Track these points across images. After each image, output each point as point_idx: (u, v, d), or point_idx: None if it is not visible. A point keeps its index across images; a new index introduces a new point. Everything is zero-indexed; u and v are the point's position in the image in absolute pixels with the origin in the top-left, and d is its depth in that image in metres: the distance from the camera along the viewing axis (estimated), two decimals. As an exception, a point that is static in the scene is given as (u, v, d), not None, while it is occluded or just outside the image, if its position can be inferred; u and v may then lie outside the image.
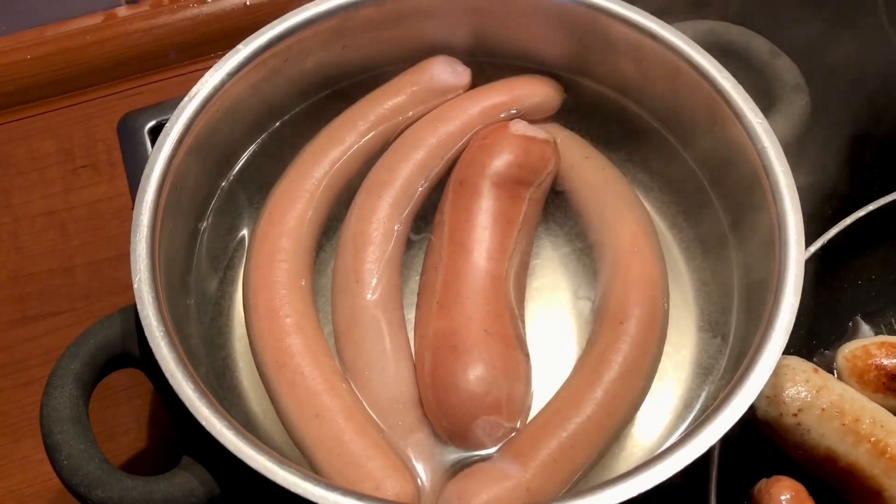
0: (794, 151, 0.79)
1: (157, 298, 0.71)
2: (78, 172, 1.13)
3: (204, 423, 0.65)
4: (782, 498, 0.77)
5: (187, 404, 0.66)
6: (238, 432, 0.65)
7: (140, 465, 0.93)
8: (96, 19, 1.19)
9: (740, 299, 0.81)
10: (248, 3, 1.21)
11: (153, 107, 1.02)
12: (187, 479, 0.68)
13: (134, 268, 0.72)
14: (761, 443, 0.81)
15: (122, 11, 1.20)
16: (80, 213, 1.10)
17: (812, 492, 0.77)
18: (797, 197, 0.74)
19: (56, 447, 0.68)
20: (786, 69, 0.86)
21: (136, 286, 0.71)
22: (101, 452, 0.68)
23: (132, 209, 0.95)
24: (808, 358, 0.87)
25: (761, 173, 0.77)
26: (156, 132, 0.98)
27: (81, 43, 1.17)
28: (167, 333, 0.69)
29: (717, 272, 0.84)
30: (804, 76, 0.88)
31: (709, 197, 0.86)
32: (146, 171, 0.77)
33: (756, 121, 0.78)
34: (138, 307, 0.70)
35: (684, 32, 0.85)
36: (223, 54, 0.88)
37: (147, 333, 0.69)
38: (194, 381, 0.67)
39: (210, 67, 0.84)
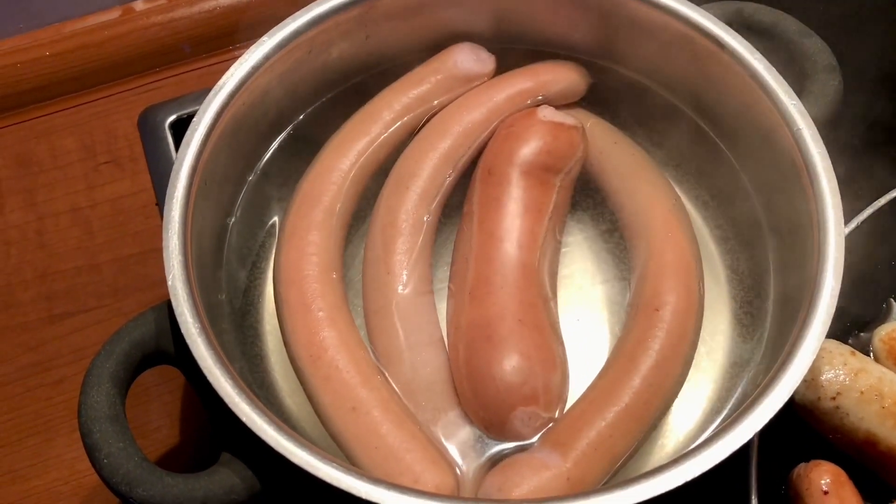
0: (827, 132, 0.78)
1: (191, 295, 0.70)
2: (100, 169, 1.13)
3: (245, 420, 0.65)
4: (822, 482, 0.76)
5: (227, 401, 0.65)
6: (279, 428, 0.64)
7: (174, 461, 0.94)
8: (113, 14, 1.18)
9: (776, 284, 0.80)
10: (265, -7, 1.20)
11: (173, 101, 1.02)
12: (228, 475, 0.68)
13: (167, 265, 0.72)
14: (799, 427, 0.80)
15: (139, 5, 1.19)
16: (104, 209, 1.10)
17: (852, 475, 0.77)
18: (835, 180, 0.73)
19: (96, 446, 0.68)
20: (817, 49, 0.84)
21: (170, 283, 0.71)
22: (140, 450, 0.68)
23: (156, 205, 0.95)
24: (843, 340, 0.86)
25: (797, 156, 0.76)
26: (176, 126, 0.97)
27: (99, 38, 1.17)
28: (203, 331, 0.69)
29: (752, 256, 0.83)
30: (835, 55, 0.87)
31: (741, 180, 0.86)
32: (175, 167, 0.76)
33: (790, 103, 0.77)
34: (173, 305, 0.70)
35: (712, 13, 0.83)
36: (241, 46, 0.87)
37: (183, 331, 0.68)
38: (233, 378, 0.67)
39: (229, 60, 0.83)
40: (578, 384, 0.77)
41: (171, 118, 0.99)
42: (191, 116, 0.80)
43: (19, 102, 1.17)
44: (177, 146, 0.95)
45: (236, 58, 0.83)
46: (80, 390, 0.70)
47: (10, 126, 1.16)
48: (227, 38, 1.20)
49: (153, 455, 0.94)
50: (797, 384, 0.66)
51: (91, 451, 0.68)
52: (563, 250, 0.86)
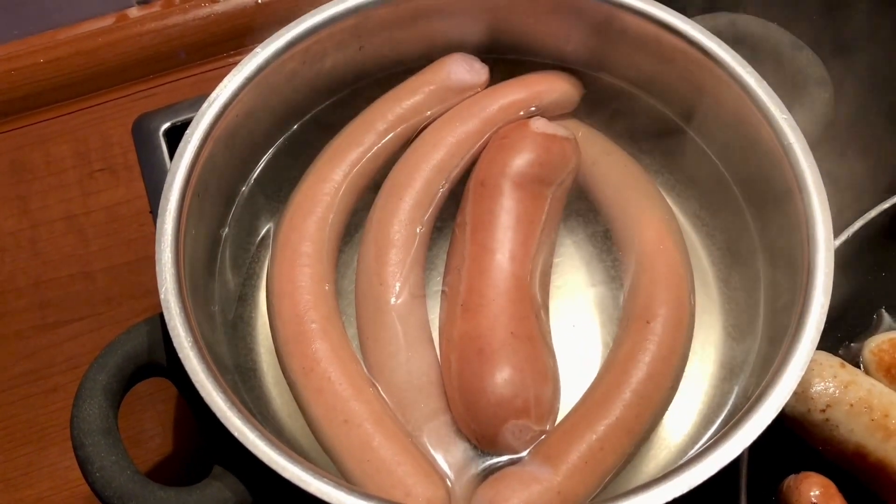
0: (818, 144, 0.78)
1: (184, 308, 0.71)
2: (94, 176, 1.13)
3: (236, 434, 0.65)
4: (811, 494, 0.76)
5: (219, 415, 0.66)
6: (270, 443, 0.65)
7: (167, 471, 0.94)
8: (108, 21, 1.18)
9: (766, 296, 0.81)
10: (259, 0, 1.20)
11: (167, 108, 1.01)
12: (219, 489, 0.68)
13: (160, 278, 0.72)
14: (789, 438, 0.81)
15: (134, 12, 1.19)
16: (99, 217, 1.10)
17: (841, 487, 0.77)
18: (825, 194, 0.74)
19: (88, 459, 0.68)
20: (808, 62, 0.85)
21: (162, 297, 0.71)
22: (132, 464, 0.69)
23: (150, 212, 0.95)
24: (834, 351, 0.86)
25: (787, 170, 0.76)
26: (171, 134, 0.97)
27: (94, 45, 1.17)
28: (195, 344, 0.69)
29: (743, 269, 0.84)
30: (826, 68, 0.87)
31: (733, 193, 0.86)
32: (168, 180, 0.76)
33: (781, 117, 0.77)
34: (166, 318, 0.70)
35: (704, 26, 0.84)
36: (236, 53, 0.87)
37: (176, 344, 0.69)
38: (224, 392, 0.67)
39: (223, 67, 0.84)
40: (571, 394, 0.78)
41: (166, 125, 0.99)
42: (185, 124, 0.80)
43: (13, 109, 1.16)
44: (171, 153, 0.94)
45: (231, 65, 0.83)
46: (73, 403, 0.70)
47: (4, 133, 1.16)
48: (221, 44, 1.20)
49: (146, 464, 0.94)
50: (787, 398, 0.67)
51: (83, 465, 0.68)
52: (555, 260, 0.86)
